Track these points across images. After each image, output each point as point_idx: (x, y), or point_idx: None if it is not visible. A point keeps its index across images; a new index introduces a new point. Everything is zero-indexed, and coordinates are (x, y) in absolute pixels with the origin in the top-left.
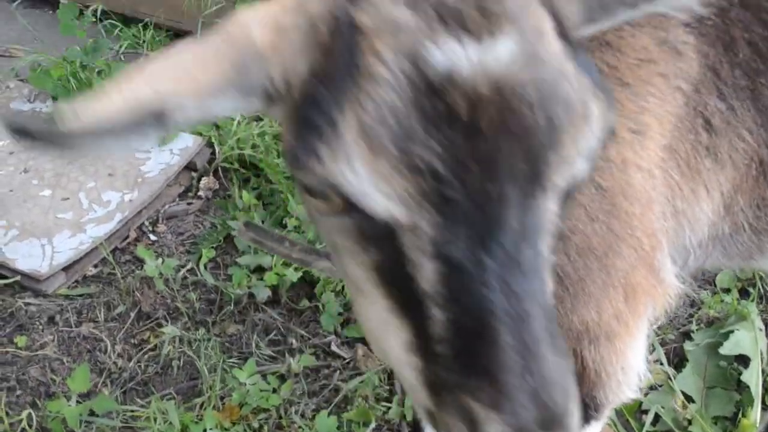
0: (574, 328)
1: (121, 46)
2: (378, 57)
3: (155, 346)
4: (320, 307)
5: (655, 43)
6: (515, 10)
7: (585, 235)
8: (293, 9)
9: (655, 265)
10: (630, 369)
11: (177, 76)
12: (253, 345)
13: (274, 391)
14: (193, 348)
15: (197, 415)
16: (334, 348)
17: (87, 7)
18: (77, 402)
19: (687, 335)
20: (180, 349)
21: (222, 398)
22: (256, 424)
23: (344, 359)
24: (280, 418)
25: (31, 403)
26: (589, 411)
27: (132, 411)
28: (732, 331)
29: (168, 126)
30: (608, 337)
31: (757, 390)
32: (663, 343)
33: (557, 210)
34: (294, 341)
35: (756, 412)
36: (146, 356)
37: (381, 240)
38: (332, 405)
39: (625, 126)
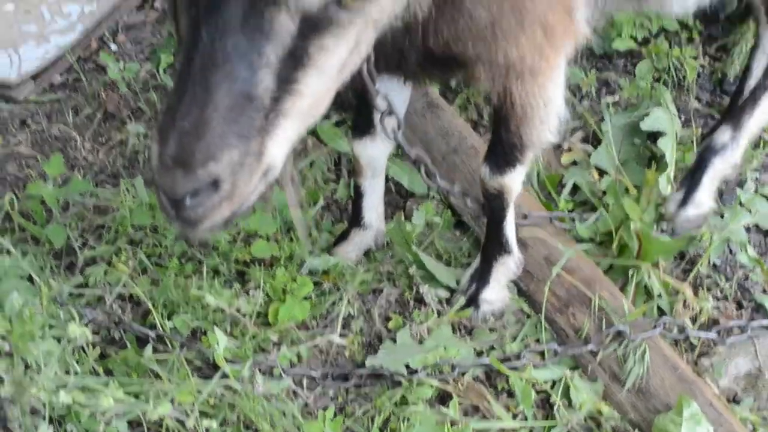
0: (501, 63)
1: None
2: None
3: (121, 141)
4: None
5: None
6: None
7: None
8: None
9: (570, 7)
10: (551, 105)
11: None
12: None
13: None
14: None
15: None
16: None
17: None
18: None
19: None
20: (145, 144)
21: None
22: None
23: (294, 149)
24: None
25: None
26: (515, 152)
27: (110, 195)
28: (647, 114)
29: None
30: (532, 72)
31: (671, 156)
32: (583, 126)
33: (294, 28)
34: None
35: (670, 175)
36: (114, 151)
37: None
38: None
39: None
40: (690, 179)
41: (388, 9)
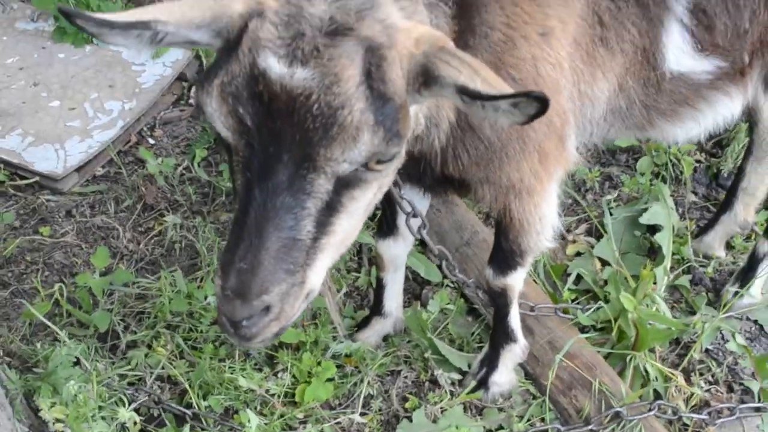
0: (503, 184)
1: None
2: (242, 49)
3: (160, 232)
4: None
5: None
6: (328, 59)
7: None
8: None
9: (564, 136)
10: (546, 219)
11: (171, 9)
12: None
13: None
14: (192, 233)
15: (198, 285)
16: None
17: None
18: (100, 276)
19: (609, 212)
20: (181, 234)
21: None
22: None
23: None
24: None
25: (59, 281)
26: (515, 257)
27: (146, 282)
28: (647, 208)
29: (156, 36)
30: (529, 192)
31: (668, 249)
32: (587, 219)
33: (330, 187)
34: None
35: (666, 266)
36: (152, 241)
37: (229, 151)
38: None
39: (534, 30)
40: (743, 277)
41: (403, 159)
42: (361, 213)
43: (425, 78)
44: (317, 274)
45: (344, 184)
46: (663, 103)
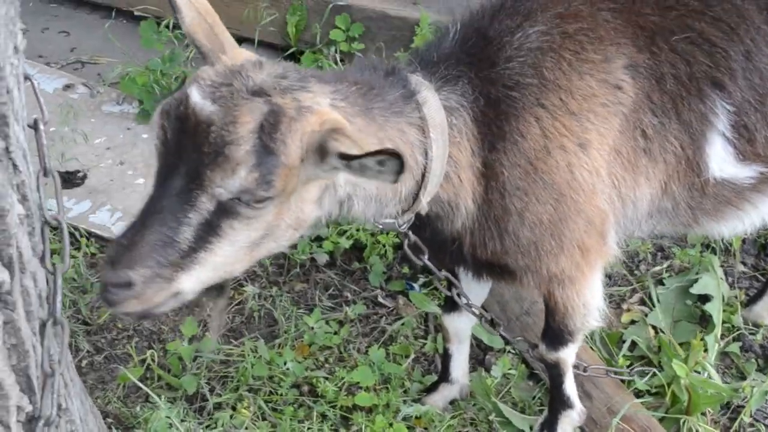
0: (545, 275)
1: (190, 53)
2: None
3: (240, 302)
4: (368, 267)
5: (598, 83)
6: (234, 105)
7: (535, 214)
8: None
9: (604, 233)
10: (589, 304)
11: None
12: (317, 298)
13: (335, 333)
14: (270, 302)
15: (278, 352)
16: (380, 299)
17: (160, 19)
18: (188, 343)
19: (661, 282)
20: (260, 303)
21: (295, 339)
22: (322, 358)
23: (389, 308)
24: (341, 353)
25: (148, 347)
26: (565, 335)
27: (229, 349)
28: (697, 279)
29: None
30: (571, 281)
31: (718, 318)
32: (642, 288)
33: (211, 207)
34: (348, 294)
35: (717, 335)
36: (233, 309)
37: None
38: (380, 342)
39: (572, 142)
40: None
41: (306, 219)
42: (244, 246)
43: (322, 151)
44: (191, 282)
45: (224, 211)
46: (708, 204)
